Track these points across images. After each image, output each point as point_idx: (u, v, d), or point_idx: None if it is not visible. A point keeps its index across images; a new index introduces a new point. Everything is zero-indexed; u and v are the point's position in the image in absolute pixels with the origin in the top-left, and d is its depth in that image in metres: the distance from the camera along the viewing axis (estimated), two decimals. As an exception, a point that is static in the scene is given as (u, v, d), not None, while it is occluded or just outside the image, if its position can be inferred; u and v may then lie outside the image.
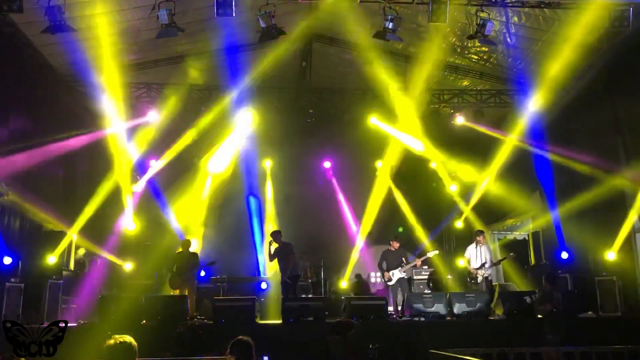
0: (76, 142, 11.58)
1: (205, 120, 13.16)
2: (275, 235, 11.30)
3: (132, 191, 13.77)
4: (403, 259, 11.25)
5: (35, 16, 8.90)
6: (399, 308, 10.94)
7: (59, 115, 11.74)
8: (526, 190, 13.30)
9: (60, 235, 10.98)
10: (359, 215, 15.50)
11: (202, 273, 12.18)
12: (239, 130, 14.41)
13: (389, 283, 11.29)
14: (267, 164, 16.05)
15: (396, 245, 11.51)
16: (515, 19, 10.66)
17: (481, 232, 11.74)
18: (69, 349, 5.33)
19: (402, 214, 15.68)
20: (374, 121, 14.46)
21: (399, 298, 11.13)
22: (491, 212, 14.57)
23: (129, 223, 13.42)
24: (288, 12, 11.32)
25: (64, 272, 10.87)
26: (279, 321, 9.69)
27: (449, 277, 15.01)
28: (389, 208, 15.56)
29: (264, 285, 13.09)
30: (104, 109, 11.99)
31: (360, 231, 15.28)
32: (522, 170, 13.11)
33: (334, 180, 16.19)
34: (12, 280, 9.29)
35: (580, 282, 10.95)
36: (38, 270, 10.20)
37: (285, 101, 14.14)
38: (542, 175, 12.32)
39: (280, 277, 11.13)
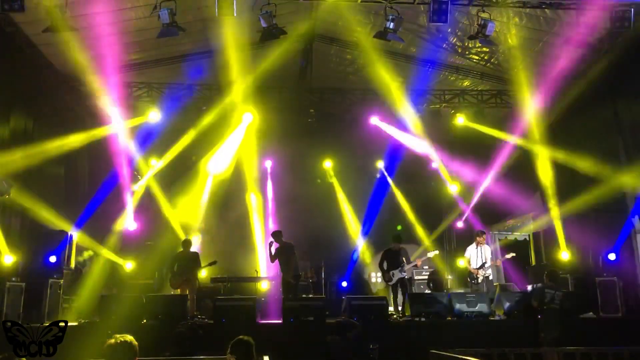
0: (77, 141, 11.59)
1: (206, 119, 13.16)
2: (276, 235, 11.30)
3: (133, 190, 13.79)
4: (404, 259, 11.24)
5: (37, 15, 8.91)
6: (400, 308, 10.93)
7: (60, 114, 11.76)
8: (527, 191, 13.29)
9: (61, 234, 10.98)
10: (359, 215, 15.50)
11: (204, 272, 12.18)
12: (240, 130, 14.41)
13: (390, 283, 11.29)
14: (268, 163, 16.05)
15: (397, 245, 11.50)
16: (516, 19, 10.65)
17: (482, 232, 11.74)
18: (70, 348, 5.33)
19: (403, 213, 15.68)
20: (375, 121, 14.46)
21: (399, 298, 11.12)
22: (492, 213, 14.57)
23: (129, 222, 13.43)
24: (289, 12, 11.32)
25: (65, 272, 10.87)
26: (280, 321, 9.69)
27: (449, 277, 15.03)
28: (390, 208, 15.57)
29: (264, 285, 13.09)
30: (105, 108, 12.00)
31: (360, 231, 15.29)
32: (522, 170, 13.09)
33: (335, 180, 16.20)
34: (13, 279, 9.30)
35: (581, 283, 10.93)
36: (39, 270, 10.20)
37: (285, 101, 14.13)
38: (543, 176, 12.32)
39: (281, 277, 11.13)
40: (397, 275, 11.13)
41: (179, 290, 10.78)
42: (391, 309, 11.04)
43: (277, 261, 11.16)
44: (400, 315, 10.62)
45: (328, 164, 16.22)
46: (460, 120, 14.09)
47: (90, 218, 11.87)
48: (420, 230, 15.47)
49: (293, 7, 11.30)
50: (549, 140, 12.14)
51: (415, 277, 13.32)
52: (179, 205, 14.64)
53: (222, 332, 8.49)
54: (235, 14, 8.63)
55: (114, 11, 9.89)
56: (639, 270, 10.65)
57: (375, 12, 10.92)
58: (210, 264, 11.35)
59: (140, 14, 10.27)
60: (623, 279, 10.20)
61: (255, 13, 9.48)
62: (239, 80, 12.16)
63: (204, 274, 12.21)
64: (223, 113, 13.20)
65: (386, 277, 11.30)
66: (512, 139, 13.01)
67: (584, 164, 11.07)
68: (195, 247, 12.38)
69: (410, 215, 15.59)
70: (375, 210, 15.46)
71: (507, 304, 10.04)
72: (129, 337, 3.76)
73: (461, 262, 13.26)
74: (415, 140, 14.48)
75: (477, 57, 12.66)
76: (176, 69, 12.71)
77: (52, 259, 10.47)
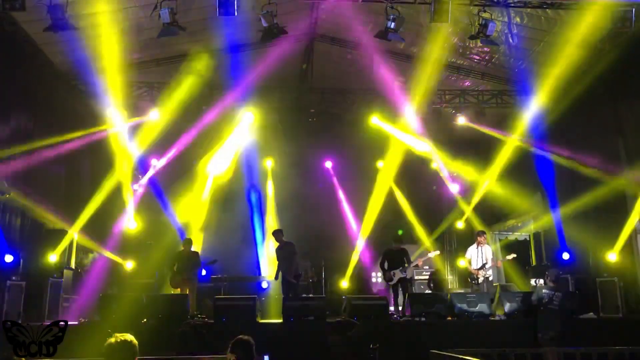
0: (78, 140, 11.58)
1: (207, 119, 13.15)
2: (276, 234, 11.30)
3: (134, 190, 13.79)
4: (404, 258, 11.24)
5: (38, 14, 8.91)
6: (400, 308, 10.93)
7: (60, 113, 11.74)
8: (527, 191, 13.29)
9: (62, 233, 10.98)
10: (360, 215, 15.50)
11: (204, 272, 12.19)
12: (240, 130, 14.41)
13: (390, 283, 11.28)
14: (269, 163, 16.05)
15: (398, 245, 11.50)
16: (518, 19, 10.65)
17: (482, 232, 11.73)
18: (70, 348, 5.33)
19: (404, 214, 15.67)
20: (376, 121, 14.46)
21: (400, 298, 11.12)
22: (492, 213, 14.57)
23: (130, 222, 13.43)
24: (290, 11, 11.31)
25: (65, 271, 10.87)
26: (280, 320, 9.69)
27: (450, 277, 15.03)
28: (390, 208, 15.56)
29: (264, 285, 13.09)
30: (106, 107, 12.00)
31: (361, 231, 15.28)
32: (523, 170, 13.10)
33: (335, 180, 16.19)
34: (14, 278, 9.30)
35: (582, 283, 10.92)
36: (39, 269, 10.22)
37: (286, 101, 14.14)
38: (544, 176, 12.32)
39: (282, 277, 11.13)
40: (398, 275, 11.13)
41: (179, 289, 10.78)
42: (392, 308, 11.04)
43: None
44: (401, 315, 10.62)
45: (329, 164, 16.21)
46: (461, 120, 14.09)
47: (90, 217, 11.87)
48: (420, 231, 15.47)
49: (294, 7, 11.31)
50: (549, 140, 12.14)
51: (416, 277, 13.30)
52: (179, 205, 14.64)
53: (223, 331, 8.49)
54: (236, 14, 8.63)
55: (114, 10, 9.89)
56: (639, 270, 10.65)
57: (376, 12, 10.92)
58: (210, 263, 11.35)
59: (141, 14, 10.27)
60: (623, 279, 10.19)
61: (256, 12, 9.48)
62: (240, 80, 12.16)
63: (204, 273, 12.21)
64: (224, 113, 13.19)
65: (387, 276, 11.30)
66: (513, 139, 13.00)
67: (584, 164, 11.07)
68: (195, 247, 12.37)
69: (411, 216, 15.58)
70: (376, 210, 15.45)
71: (507, 305, 10.03)
72: (129, 337, 3.75)
73: (462, 263, 13.25)
74: (415, 140, 14.48)
75: (478, 57, 12.66)
76: (177, 68, 12.70)
77: (53, 258, 10.48)
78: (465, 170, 14.81)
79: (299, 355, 8.34)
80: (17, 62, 10.22)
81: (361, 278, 15.19)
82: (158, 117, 13.12)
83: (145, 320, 9.13)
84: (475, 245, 11.42)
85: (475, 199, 14.65)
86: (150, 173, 14.25)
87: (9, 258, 9.44)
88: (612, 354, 7.69)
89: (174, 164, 14.34)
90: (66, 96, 12.10)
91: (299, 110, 14.72)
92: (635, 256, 10.76)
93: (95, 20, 9.75)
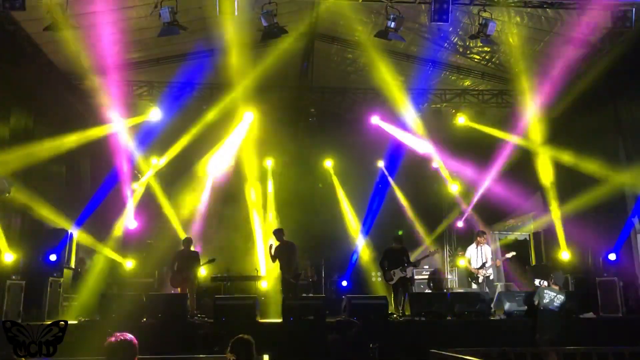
0: (78, 139, 11.58)
1: (207, 118, 13.15)
2: (277, 233, 11.30)
3: (134, 189, 13.78)
4: (404, 258, 11.24)
5: (38, 14, 8.91)
6: (400, 307, 10.93)
7: (60, 112, 11.74)
8: (527, 191, 13.29)
9: (62, 232, 10.98)
10: (360, 214, 15.50)
11: (203, 271, 12.18)
12: (240, 129, 14.40)
13: (390, 282, 11.28)
14: (269, 163, 16.04)
15: (398, 244, 11.50)
16: (518, 19, 10.63)
17: (482, 232, 11.74)
18: (70, 347, 5.33)
19: (404, 213, 15.67)
20: (376, 120, 14.45)
21: (400, 297, 11.12)
22: (492, 212, 14.56)
23: (130, 221, 13.43)
24: (290, 11, 11.31)
25: (65, 270, 10.87)
26: (280, 320, 9.69)
27: (449, 277, 15.03)
28: (391, 208, 15.56)
29: (264, 284, 13.08)
30: (106, 106, 11.99)
31: (361, 231, 15.28)
32: (523, 170, 13.09)
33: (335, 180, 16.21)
34: (14, 277, 9.31)
35: (581, 283, 10.94)
36: (39, 268, 10.20)
37: (286, 100, 14.12)
38: (543, 176, 12.31)
39: (281, 276, 11.12)
40: (398, 274, 11.13)
41: (179, 289, 10.78)
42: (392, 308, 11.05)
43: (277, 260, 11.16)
44: (401, 314, 10.61)
45: (329, 164, 16.21)
46: (461, 120, 14.07)
47: (90, 216, 11.87)
48: (420, 230, 15.46)
49: (294, 6, 11.31)
50: (549, 140, 12.13)
51: (416, 277, 13.29)
52: (179, 204, 14.63)
53: (222, 331, 8.49)
54: (236, 13, 8.62)
55: (114, 10, 9.88)
56: (638, 270, 10.65)
57: (377, 12, 10.92)
58: (209, 262, 11.34)
59: (141, 13, 10.26)
60: (623, 279, 10.19)
61: (256, 12, 9.47)
62: (240, 79, 12.14)
63: (203, 272, 12.21)
64: (224, 112, 13.19)
65: (387, 276, 11.29)
66: (513, 139, 12.99)
67: (584, 164, 11.07)
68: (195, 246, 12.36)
69: (411, 215, 15.58)
70: (376, 209, 15.45)
71: (507, 304, 10.04)
72: (129, 336, 3.76)
73: (462, 262, 13.26)
74: (416, 139, 14.47)
75: (478, 57, 12.65)
76: (177, 68, 12.70)
77: (53, 257, 10.46)
78: (465, 169, 14.81)
79: (299, 355, 8.34)
80: (17, 61, 10.20)
81: (361, 277, 15.19)
82: (158, 116, 13.12)
83: (145, 319, 9.13)
84: (474, 245, 11.44)
85: (475, 199, 14.63)
86: (151, 172, 14.24)
87: (8, 257, 9.45)
88: (612, 354, 7.69)
89: (175, 163, 14.34)
90: (66, 95, 12.09)
91: (298, 109, 14.70)
92: (634, 256, 10.76)
93: (96, 19, 9.74)
